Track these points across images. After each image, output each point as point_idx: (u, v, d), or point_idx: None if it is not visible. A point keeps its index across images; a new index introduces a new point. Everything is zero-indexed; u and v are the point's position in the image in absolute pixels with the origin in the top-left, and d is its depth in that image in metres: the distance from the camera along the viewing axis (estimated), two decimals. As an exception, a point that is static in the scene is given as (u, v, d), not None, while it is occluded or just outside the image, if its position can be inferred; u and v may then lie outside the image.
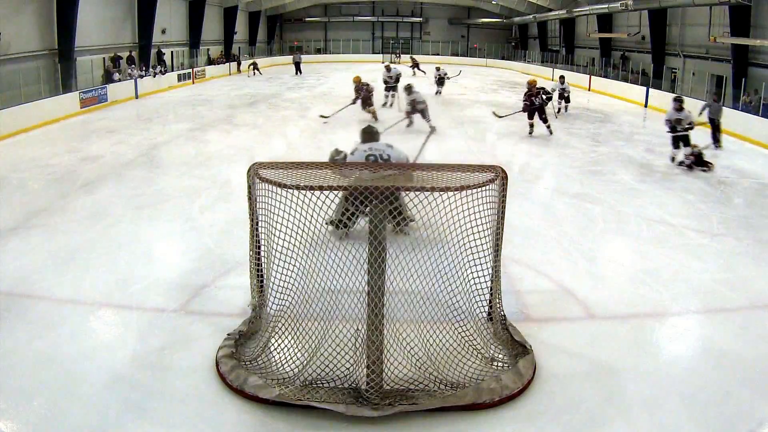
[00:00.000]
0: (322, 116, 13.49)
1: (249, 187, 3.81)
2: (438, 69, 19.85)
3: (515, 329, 4.06)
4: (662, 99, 17.17)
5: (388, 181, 3.70)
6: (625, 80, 20.81)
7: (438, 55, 38.68)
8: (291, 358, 3.65)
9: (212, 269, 5.24)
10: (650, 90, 18.12)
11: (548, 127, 12.15)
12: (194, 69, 24.29)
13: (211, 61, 27.36)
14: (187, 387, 3.54)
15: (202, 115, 15.13)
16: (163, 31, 23.24)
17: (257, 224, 3.90)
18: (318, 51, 39.95)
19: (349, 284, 3.52)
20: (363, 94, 13.19)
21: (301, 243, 3.60)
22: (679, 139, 9.43)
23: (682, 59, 19.59)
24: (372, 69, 29.33)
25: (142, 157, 9.99)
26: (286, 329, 3.77)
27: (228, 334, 3.97)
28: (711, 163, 9.34)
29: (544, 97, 12.19)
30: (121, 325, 4.32)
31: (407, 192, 3.45)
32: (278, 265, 3.75)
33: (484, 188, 3.61)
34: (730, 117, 12.61)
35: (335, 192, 3.56)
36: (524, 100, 12.26)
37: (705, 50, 18.30)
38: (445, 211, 3.60)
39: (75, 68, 16.34)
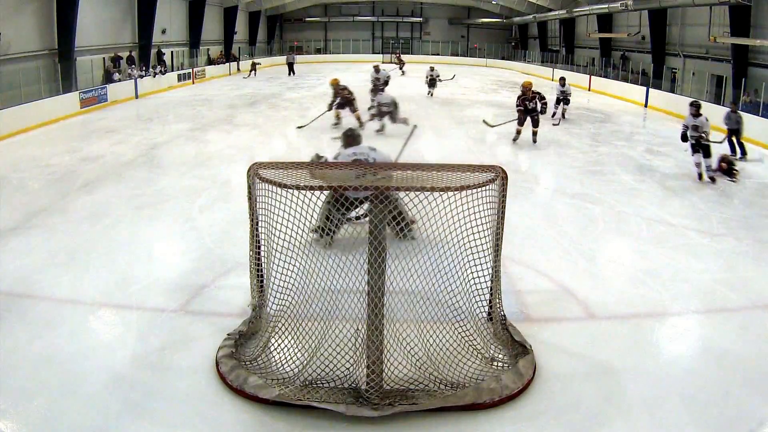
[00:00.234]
0: (299, 127, 12.70)
1: (249, 187, 3.81)
2: (432, 69, 19.18)
3: (515, 329, 4.06)
4: (662, 99, 17.22)
5: (384, 181, 3.71)
6: (625, 80, 20.81)
7: (438, 55, 38.69)
8: (291, 358, 3.65)
9: (212, 269, 5.24)
10: (650, 90, 18.11)
11: (534, 133, 11.13)
12: (194, 69, 24.28)
13: (211, 61, 27.36)
14: (187, 387, 3.54)
15: (202, 115, 15.13)
16: (163, 31, 23.24)
17: (257, 224, 3.90)
18: (318, 51, 39.96)
19: (349, 284, 3.52)
20: (341, 99, 12.31)
21: (301, 243, 3.60)
22: (699, 146, 8.55)
23: (682, 59, 19.59)
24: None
25: (142, 157, 9.99)
26: (286, 329, 3.77)
27: (228, 334, 3.97)
28: (737, 171, 8.83)
29: (539, 103, 11.02)
30: (121, 325, 4.32)
31: (407, 192, 3.44)
32: (278, 265, 3.76)
33: (484, 188, 3.62)
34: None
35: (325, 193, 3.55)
36: (517, 105, 11.23)
37: (705, 50, 18.30)
38: (445, 211, 3.60)
39: (75, 68, 16.33)
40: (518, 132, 11.18)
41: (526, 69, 31.80)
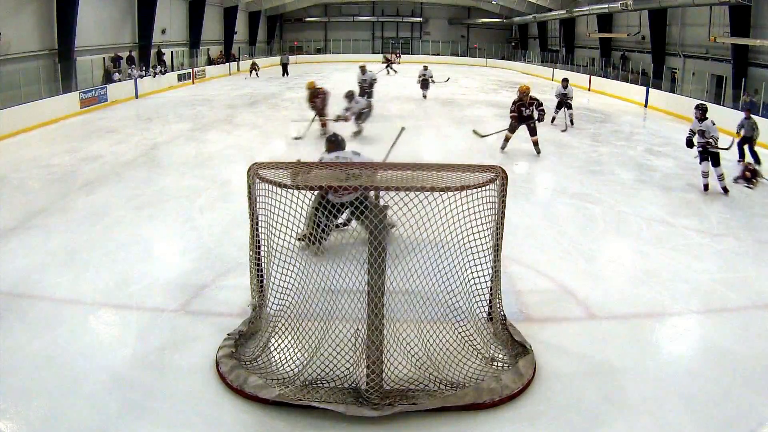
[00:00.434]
0: (296, 138, 11.74)
1: (249, 187, 3.81)
2: (425, 69, 18.23)
3: (515, 329, 4.06)
4: (662, 99, 17.22)
5: (373, 180, 3.70)
6: (625, 80, 20.81)
7: (438, 55, 38.72)
8: (291, 358, 3.65)
9: (212, 269, 5.24)
10: (650, 90, 18.11)
11: (536, 144, 10.14)
12: (194, 69, 24.29)
13: (211, 61, 27.37)
14: (187, 387, 3.54)
15: (202, 115, 15.13)
16: (163, 31, 23.25)
17: (257, 224, 3.90)
18: (318, 51, 39.98)
19: (349, 284, 3.52)
20: (319, 102, 11.54)
21: (301, 243, 3.60)
22: (707, 154, 7.94)
23: (682, 59, 19.60)
24: (371, 69, 29.40)
25: (142, 157, 9.99)
26: (286, 329, 3.78)
27: (228, 334, 3.97)
28: (761, 180, 8.32)
29: (536, 110, 10.02)
30: (121, 325, 4.32)
31: (407, 192, 3.44)
32: (278, 265, 3.76)
33: (484, 188, 3.62)
34: (730, 117, 12.59)
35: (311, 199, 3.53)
36: (512, 111, 10.14)
37: (705, 50, 18.30)
38: (445, 211, 3.60)
39: (75, 68, 16.34)
40: (507, 140, 10.27)
41: (526, 69, 31.82)
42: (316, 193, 3.77)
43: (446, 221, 3.64)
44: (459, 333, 3.87)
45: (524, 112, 9.99)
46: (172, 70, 22.55)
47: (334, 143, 5.68)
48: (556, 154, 10.46)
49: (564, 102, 13.23)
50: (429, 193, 3.37)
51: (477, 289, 3.94)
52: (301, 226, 3.63)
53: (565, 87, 13.24)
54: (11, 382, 3.54)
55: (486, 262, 3.87)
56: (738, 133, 9.62)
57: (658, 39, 20.68)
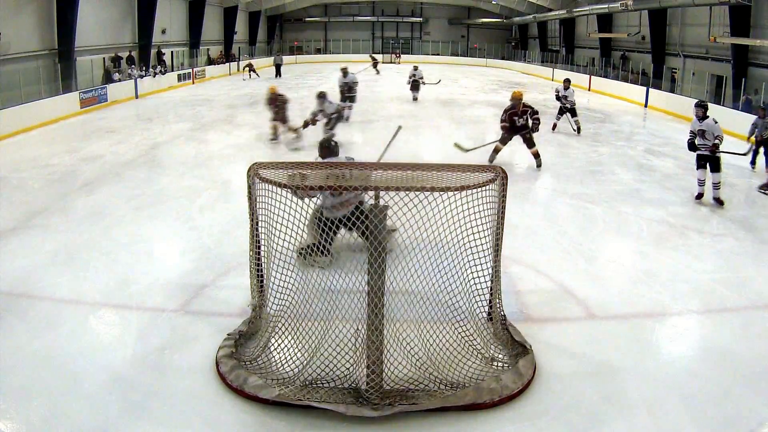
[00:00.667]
0: (272, 139, 11.21)
1: (249, 187, 3.81)
2: (415, 69, 17.54)
3: (515, 329, 4.06)
4: (662, 99, 17.22)
5: (369, 181, 3.69)
6: (625, 80, 20.82)
7: (438, 54, 38.73)
8: (291, 358, 3.65)
9: (212, 269, 5.24)
10: (650, 90, 18.12)
11: (536, 156, 9.17)
12: (194, 69, 24.30)
13: (211, 61, 27.37)
14: (187, 387, 3.54)
15: (202, 115, 15.13)
16: (163, 31, 23.25)
17: (257, 224, 3.90)
18: (318, 51, 39.98)
19: (349, 284, 3.52)
20: (275, 108, 10.87)
21: (301, 243, 3.60)
22: (705, 159, 7.23)
23: (682, 59, 19.60)
24: (353, 71, 29.38)
25: (142, 157, 9.99)
26: (286, 329, 3.78)
27: (228, 334, 3.97)
28: None
29: (530, 119, 9.03)
30: (121, 325, 4.32)
31: (408, 192, 3.44)
32: (278, 265, 3.76)
33: (484, 188, 3.62)
34: (730, 117, 12.60)
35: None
36: (503, 120, 9.10)
37: (705, 50, 18.31)
38: (445, 211, 3.60)
39: (75, 68, 16.35)
40: (496, 151, 9.20)
41: (526, 69, 31.83)
42: (312, 210, 3.75)
43: (446, 221, 3.64)
44: (459, 333, 3.87)
45: (517, 122, 9.02)
46: (172, 70, 22.55)
47: (328, 149, 5.54)
48: (556, 154, 10.46)
49: (565, 106, 12.26)
50: (429, 193, 3.36)
51: (477, 289, 3.94)
52: (301, 226, 3.63)
53: (566, 88, 12.32)
54: (11, 382, 3.54)
55: (486, 262, 3.87)
56: (751, 135, 9.13)
57: (658, 39, 20.69)
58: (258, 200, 3.74)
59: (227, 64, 28.33)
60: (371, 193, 3.41)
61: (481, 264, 3.86)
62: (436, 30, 40.73)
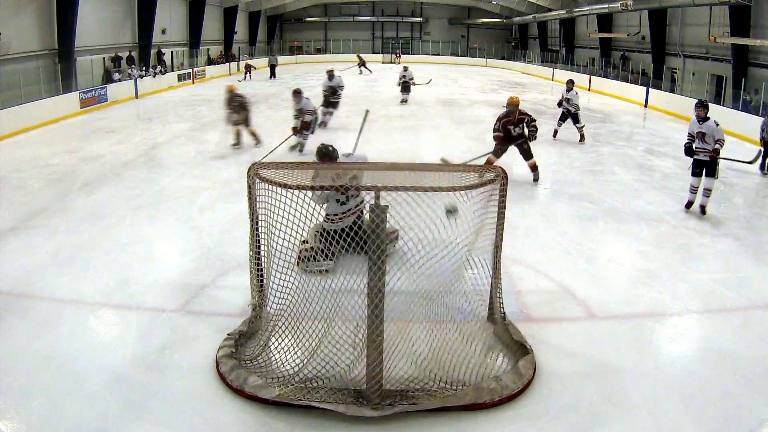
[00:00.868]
0: (234, 144, 10.57)
1: (249, 187, 3.81)
2: (405, 69, 16.80)
3: (515, 329, 4.06)
4: (662, 99, 17.22)
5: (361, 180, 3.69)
6: (625, 80, 20.82)
7: (438, 54, 38.73)
8: (291, 358, 3.65)
9: (212, 269, 5.24)
10: (650, 90, 18.13)
11: (534, 169, 8.29)
12: (194, 69, 24.29)
13: (211, 61, 27.36)
14: (187, 387, 3.54)
15: (202, 115, 15.13)
16: (163, 31, 23.25)
17: (257, 224, 3.91)
18: (318, 51, 39.97)
19: (349, 284, 3.52)
20: (233, 109, 10.23)
21: (301, 243, 3.60)
22: (702, 166, 6.66)
23: (682, 59, 19.60)
24: (371, 69, 29.40)
25: (142, 157, 9.99)
26: (286, 329, 3.78)
27: (228, 334, 3.97)
28: None
29: (527, 127, 8.13)
30: (121, 325, 4.32)
31: (408, 192, 3.44)
32: (278, 265, 3.76)
33: (484, 188, 3.62)
34: (730, 117, 12.61)
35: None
36: (496, 130, 8.13)
37: (705, 50, 18.31)
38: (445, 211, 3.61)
39: (75, 68, 16.35)
40: (489, 164, 7.63)
41: (526, 69, 31.84)
42: (312, 225, 3.74)
43: (446, 221, 3.64)
44: (459, 333, 3.87)
45: (513, 131, 8.05)
46: (172, 70, 22.55)
47: (326, 156, 5.38)
48: (556, 154, 10.46)
49: (568, 110, 11.23)
50: (429, 193, 3.37)
51: (477, 289, 3.94)
52: (302, 225, 3.63)
53: (569, 90, 11.29)
54: (11, 382, 3.54)
55: (486, 262, 3.87)
56: (762, 137, 8.74)
57: (658, 39, 20.69)
58: (258, 200, 3.74)
59: (227, 64, 28.32)
60: (369, 198, 3.39)
61: (481, 264, 3.86)
62: (436, 30, 40.72)
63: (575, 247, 5.94)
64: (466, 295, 3.86)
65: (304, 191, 3.58)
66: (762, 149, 8.53)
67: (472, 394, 3.36)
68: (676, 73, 19.43)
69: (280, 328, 3.82)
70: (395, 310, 3.61)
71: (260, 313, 4.06)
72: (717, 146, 6.55)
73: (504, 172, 3.77)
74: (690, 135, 6.79)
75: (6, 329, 4.15)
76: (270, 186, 3.55)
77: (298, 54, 38.07)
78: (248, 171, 3.77)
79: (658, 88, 18.16)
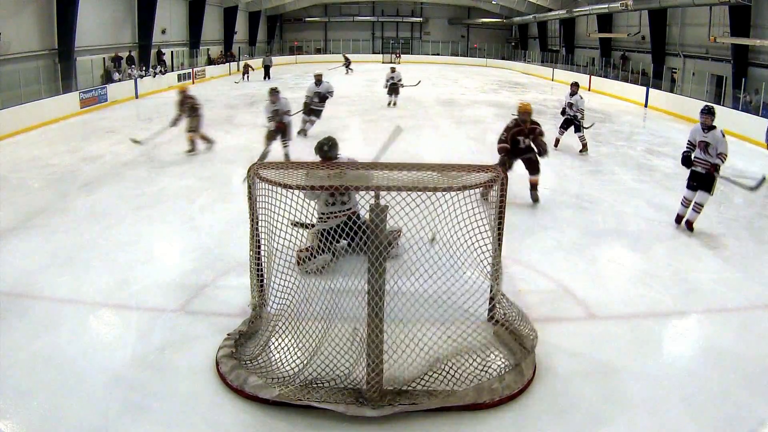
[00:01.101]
0: (134, 140, 10.30)
1: (249, 187, 3.81)
2: (393, 71, 15.93)
3: (516, 329, 4.06)
4: (662, 99, 17.23)
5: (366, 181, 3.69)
6: (625, 80, 20.84)
7: (438, 54, 38.74)
8: (291, 358, 3.65)
9: (212, 269, 5.24)
10: (650, 90, 18.14)
11: (534, 187, 7.29)
12: (194, 69, 24.30)
13: (211, 61, 27.36)
14: (187, 387, 3.54)
15: (202, 115, 15.08)
16: (163, 31, 23.25)
17: (257, 224, 3.91)
18: (318, 51, 39.96)
19: (349, 284, 3.52)
20: (181, 109, 9.94)
21: (301, 243, 3.60)
22: (699, 180, 6.06)
23: (682, 59, 19.60)
24: (371, 69, 29.41)
25: (142, 157, 9.99)
26: (286, 329, 3.78)
27: (228, 334, 3.97)
28: None
29: (534, 143, 7.15)
30: (121, 325, 4.32)
31: (409, 192, 3.44)
32: (278, 265, 3.76)
33: (484, 188, 3.62)
34: (730, 117, 12.61)
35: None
36: (502, 141, 7.12)
37: (705, 50, 18.31)
38: (446, 211, 3.60)
39: (75, 68, 16.36)
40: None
41: (526, 69, 31.84)
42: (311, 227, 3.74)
43: (446, 221, 3.64)
44: (459, 333, 3.86)
45: (521, 143, 7.11)
46: (172, 70, 22.55)
47: (324, 152, 5.36)
48: (557, 155, 10.45)
49: (574, 117, 10.24)
50: (429, 193, 3.37)
51: (477, 289, 3.94)
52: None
53: (572, 94, 10.32)
54: (11, 382, 3.54)
55: (486, 262, 3.87)
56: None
57: (658, 39, 20.69)
58: (258, 200, 3.74)
59: (227, 64, 28.32)
60: (369, 197, 3.39)
61: (481, 264, 3.86)
62: (436, 30, 40.73)
63: (575, 247, 5.94)
64: (466, 295, 3.85)
65: (304, 191, 3.58)
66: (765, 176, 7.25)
67: (473, 394, 3.36)
68: (676, 73, 19.43)
69: (281, 328, 3.82)
70: (395, 310, 3.61)
71: (260, 313, 4.06)
72: (718, 161, 5.91)
73: (504, 172, 3.77)
74: (690, 143, 6.16)
75: (6, 329, 4.15)
76: (270, 186, 3.55)
77: (298, 54, 38.07)
78: (248, 171, 3.77)
79: (658, 88, 18.18)
